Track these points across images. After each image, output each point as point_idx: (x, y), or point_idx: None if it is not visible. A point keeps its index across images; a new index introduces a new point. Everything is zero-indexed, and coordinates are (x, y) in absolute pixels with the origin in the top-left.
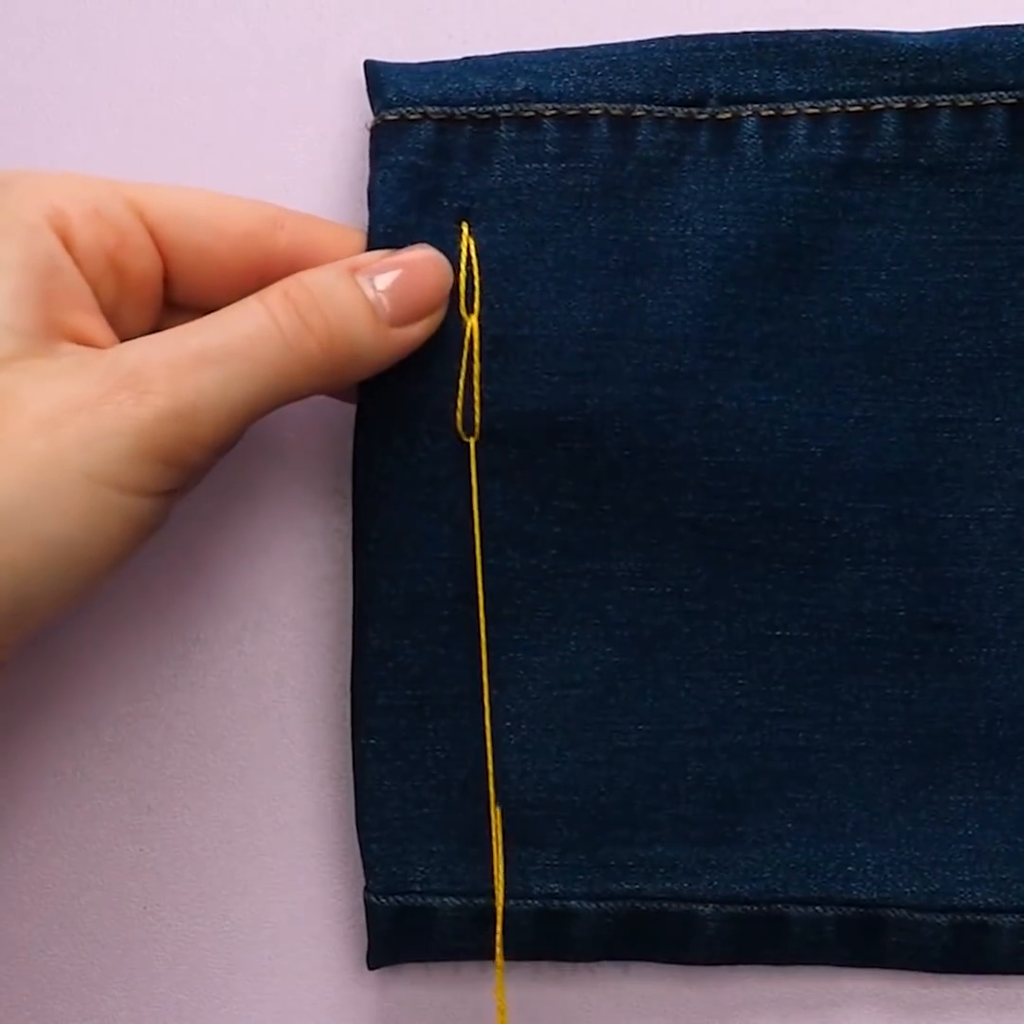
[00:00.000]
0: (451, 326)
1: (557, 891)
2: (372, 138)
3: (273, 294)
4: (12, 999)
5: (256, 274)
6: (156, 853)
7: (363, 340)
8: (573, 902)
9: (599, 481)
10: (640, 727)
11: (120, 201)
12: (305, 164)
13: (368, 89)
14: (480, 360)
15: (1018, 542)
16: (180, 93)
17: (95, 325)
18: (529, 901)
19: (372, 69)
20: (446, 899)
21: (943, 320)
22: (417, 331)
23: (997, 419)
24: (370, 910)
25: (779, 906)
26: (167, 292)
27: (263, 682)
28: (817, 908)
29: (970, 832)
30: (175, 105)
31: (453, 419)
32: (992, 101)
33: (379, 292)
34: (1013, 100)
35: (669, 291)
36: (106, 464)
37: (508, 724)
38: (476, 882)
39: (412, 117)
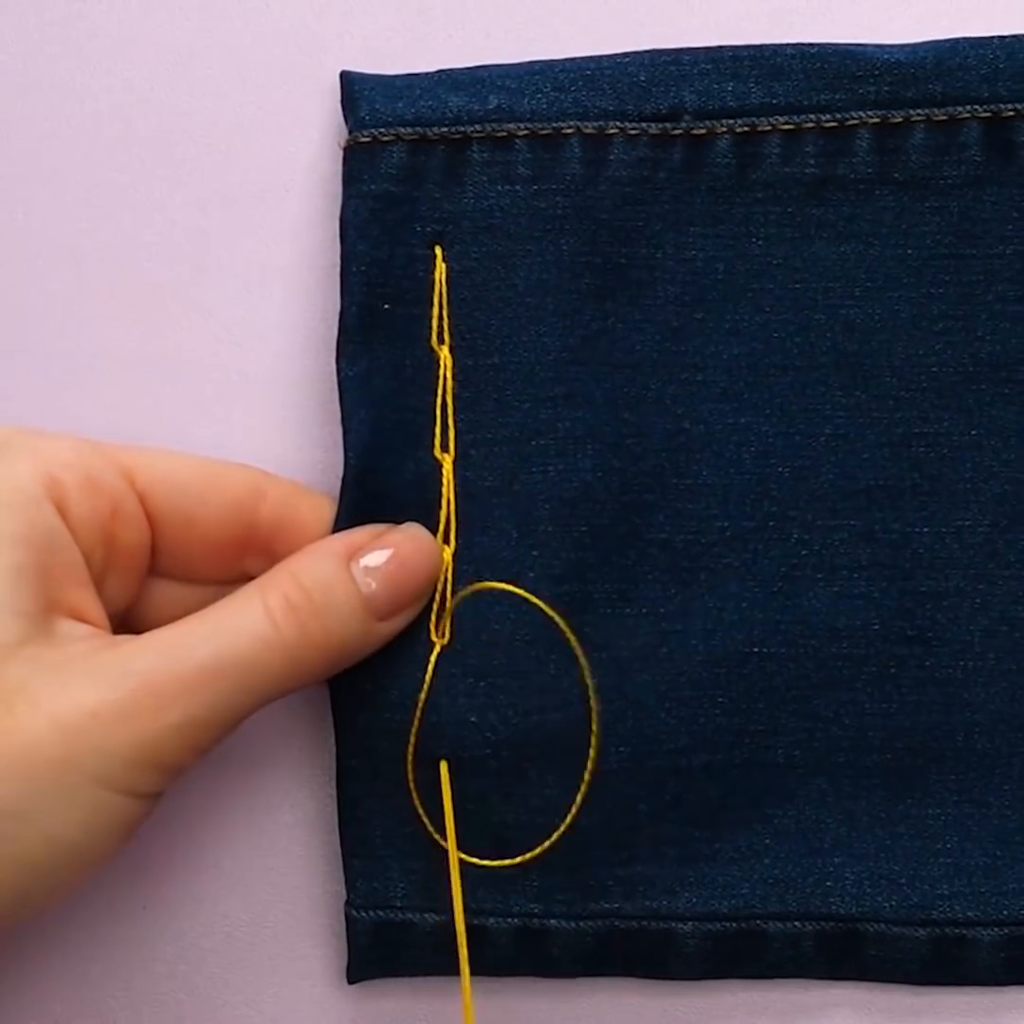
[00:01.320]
0: (424, 358)
1: (537, 910)
2: (345, 161)
3: (274, 597)
4: (12, 999)
5: (239, 543)
6: (156, 853)
7: (354, 639)
8: (553, 921)
9: (575, 503)
10: (620, 749)
11: (112, 468)
12: (305, 163)
13: (342, 103)
14: (452, 390)
15: (995, 555)
16: (180, 94)
17: (88, 599)
18: (509, 919)
19: (347, 82)
20: (426, 915)
21: (918, 335)
22: (399, 623)
23: (973, 433)
24: (350, 923)
25: (758, 922)
26: (151, 560)
27: None
28: (796, 923)
29: (949, 846)
30: (174, 106)
31: (432, 446)
32: (967, 115)
33: (373, 588)
34: (987, 114)
35: (638, 315)
36: (114, 771)
37: (488, 751)
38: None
39: (385, 139)
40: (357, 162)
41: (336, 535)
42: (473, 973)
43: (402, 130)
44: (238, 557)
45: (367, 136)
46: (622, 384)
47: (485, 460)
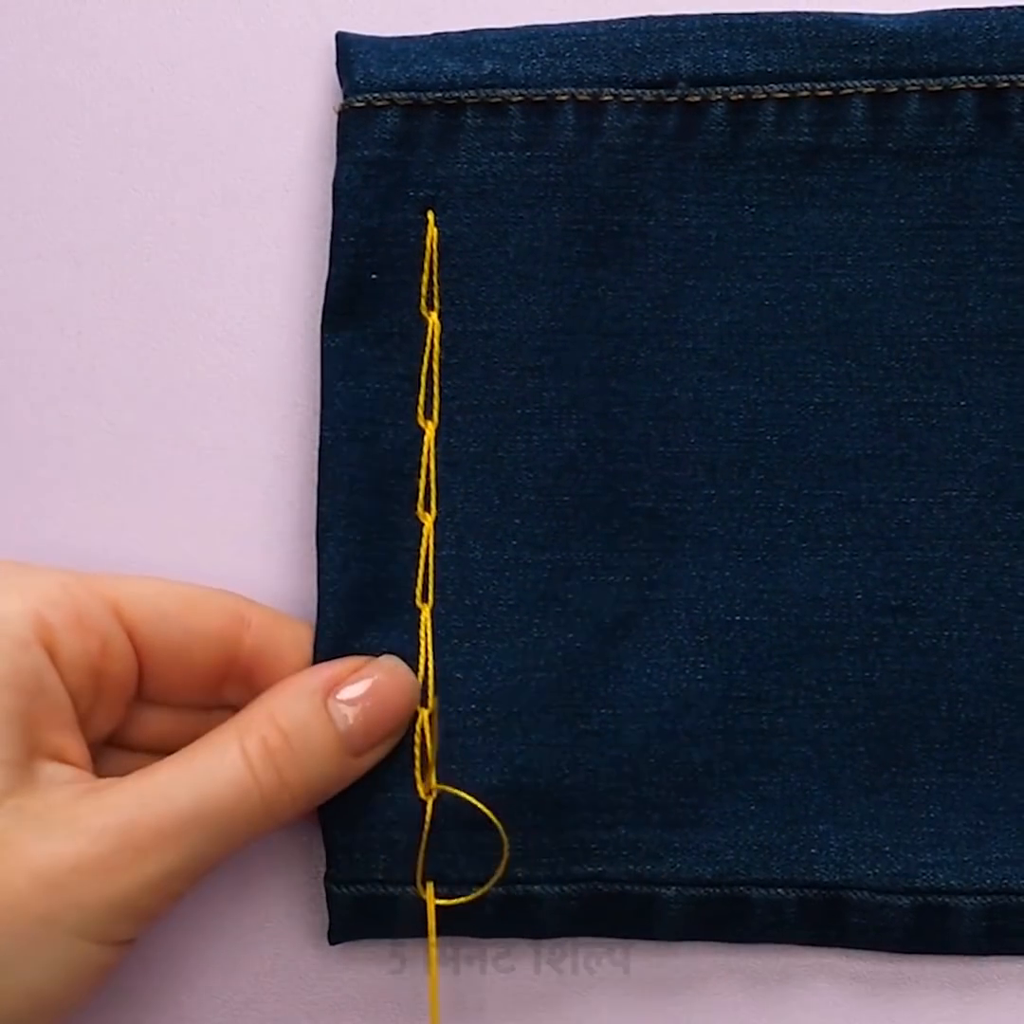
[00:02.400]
0: (411, 324)
1: (521, 876)
2: (339, 125)
3: (252, 741)
4: None
5: (220, 673)
6: None
7: (329, 778)
8: (536, 887)
9: (558, 473)
10: (603, 711)
11: (100, 604)
12: (305, 162)
13: (337, 65)
14: (440, 357)
15: (982, 526)
16: (180, 94)
17: (71, 741)
18: (494, 887)
19: (343, 44)
20: (407, 888)
21: (909, 305)
22: (374, 757)
23: (963, 403)
24: (331, 898)
25: (741, 888)
26: (137, 688)
27: None
28: (779, 890)
29: (933, 814)
30: (174, 106)
31: (415, 413)
32: (961, 86)
33: (350, 723)
34: (982, 84)
35: (629, 282)
36: (94, 923)
37: (474, 707)
38: (438, 870)
39: (379, 104)
40: (351, 127)
41: (313, 669)
42: (456, 934)
43: (396, 95)
44: (218, 685)
45: (361, 101)
46: (611, 352)
47: (470, 426)
